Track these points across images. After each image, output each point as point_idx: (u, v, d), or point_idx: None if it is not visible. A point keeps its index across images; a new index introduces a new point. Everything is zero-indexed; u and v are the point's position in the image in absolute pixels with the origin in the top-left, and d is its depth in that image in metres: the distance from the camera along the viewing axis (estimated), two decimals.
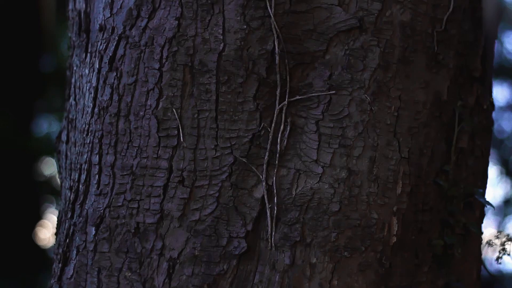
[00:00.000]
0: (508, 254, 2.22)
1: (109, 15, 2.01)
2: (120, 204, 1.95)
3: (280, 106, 1.91)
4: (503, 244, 2.21)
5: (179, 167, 1.92)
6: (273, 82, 1.91)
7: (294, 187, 1.90)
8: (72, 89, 2.20)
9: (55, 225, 2.18)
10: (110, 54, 1.99)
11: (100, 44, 2.02)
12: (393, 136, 1.95)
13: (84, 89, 2.09)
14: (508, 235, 2.24)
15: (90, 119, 2.03)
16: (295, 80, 1.92)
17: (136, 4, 1.96)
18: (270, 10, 1.89)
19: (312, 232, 1.89)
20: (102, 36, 2.02)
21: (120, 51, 1.97)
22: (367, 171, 1.92)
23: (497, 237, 2.23)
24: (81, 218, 2.01)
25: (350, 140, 1.91)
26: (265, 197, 1.90)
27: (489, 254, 2.32)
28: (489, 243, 2.24)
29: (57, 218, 2.17)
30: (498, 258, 2.22)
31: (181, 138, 1.92)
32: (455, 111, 2.06)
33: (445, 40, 2.02)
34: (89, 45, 2.09)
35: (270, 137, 1.91)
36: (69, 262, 2.03)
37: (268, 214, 1.89)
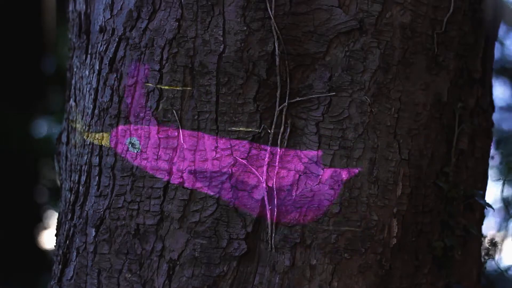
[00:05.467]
0: (493, 259, 2.22)
1: (109, 17, 2.01)
2: (120, 205, 1.95)
3: (280, 107, 1.91)
4: (487, 249, 2.22)
5: (179, 169, 1.91)
6: (273, 83, 1.91)
7: (294, 188, 1.90)
8: (72, 90, 2.20)
9: (55, 227, 2.18)
10: (110, 56, 1.99)
11: (100, 46, 2.02)
12: (393, 137, 1.95)
13: (84, 91, 2.09)
14: (492, 239, 2.24)
15: (90, 121, 2.03)
16: (295, 82, 1.92)
17: (136, 6, 1.96)
18: (270, 12, 1.89)
19: (312, 233, 1.89)
20: (102, 38, 2.02)
21: (120, 53, 1.98)
22: (367, 173, 1.92)
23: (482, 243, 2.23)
24: (81, 220, 2.01)
25: (350, 141, 1.91)
26: (265, 198, 1.90)
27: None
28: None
29: (57, 219, 2.17)
30: (483, 263, 2.22)
31: (181, 139, 1.92)
32: (455, 113, 2.06)
33: (445, 41, 2.02)
34: (89, 47, 2.09)
35: (270, 138, 1.91)
36: (69, 264, 2.03)
37: (268, 215, 1.89)
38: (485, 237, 2.25)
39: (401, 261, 1.97)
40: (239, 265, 1.90)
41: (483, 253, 2.23)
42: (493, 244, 2.22)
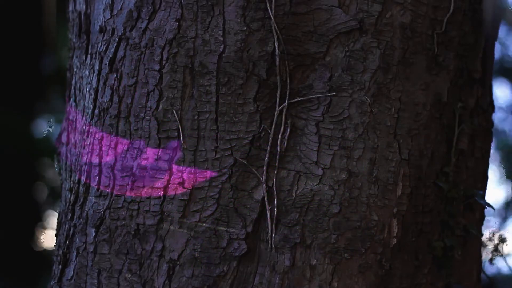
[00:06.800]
0: (501, 255, 2.22)
1: (109, 17, 2.01)
2: (120, 205, 1.95)
3: (280, 107, 1.91)
4: (496, 245, 2.21)
5: (179, 169, 1.91)
6: (273, 83, 1.91)
7: (294, 188, 1.90)
8: (73, 90, 2.20)
9: (55, 227, 2.18)
10: (110, 56, 1.99)
11: (100, 46, 2.02)
12: (393, 137, 1.95)
13: (84, 91, 2.09)
14: (501, 236, 2.24)
15: (90, 121, 2.03)
16: (295, 82, 1.92)
17: (136, 6, 1.96)
18: (270, 12, 1.89)
19: (312, 233, 1.89)
20: (102, 38, 2.02)
21: (120, 53, 1.98)
22: (367, 173, 1.92)
23: (490, 239, 2.23)
24: (81, 220, 2.01)
25: (350, 141, 1.91)
26: (265, 198, 1.90)
27: (488, 256, 2.33)
28: (483, 245, 2.24)
29: (57, 219, 2.18)
30: (491, 260, 2.22)
31: (181, 139, 1.92)
32: (455, 113, 2.06)
33: (445, 41, 2.02)
34: (89, 47, 2.09)
35: (270, 138, 1.91)
36: (69, 264, 2.03)
37: (268, 215, 1.89)
38: (494, 233, 2.25)
39: (401, 261, 1.98)
40: (239, 265, 1.90)
41: (491, 249, 2.22)
42: (502, 240, 2.22)
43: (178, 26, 1.92)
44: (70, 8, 2.26)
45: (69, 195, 2.09)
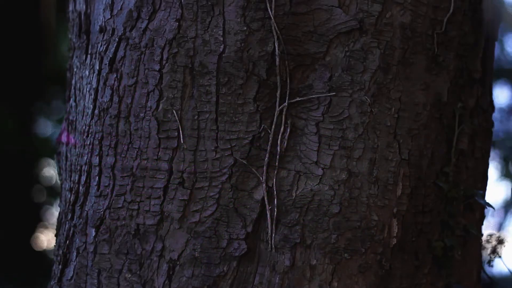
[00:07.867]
0: (500, 257, 2.22)
1: (109, 17, 2.01)
2: (120, 205, 1.95)
3: (280, 107, 1.91)
4: (494, 247, 2.21)
5: (179, 169, 1.92)
6: (273, 83, 1.91)
7: (294, 188, 1.90)
8: (73, 90, 2.20)
9: (55, 227, 2.18)
10: (110, 56, 1.99)
11: (100, 46, 2.02)
12: (393, 137, 1.95)
13: (84, 91, 2.09)
14: (499, 237, 2.24)
15: (90, 121, 2.03)
16: (295, 82, 1.92)
17: (136, 6, 1.96)
18: (270, 12, 1.89)
19: (312, 233, 1.89)
20: (102, 38, 2.02)
21: (121, 53, 1.98)
22: (367, 173, 1.92)
23: (488, 241, 2.23)
24: (81, 220, 2.01)
25: (350, 141, 1.91)
26: (265, 198, 1.90)
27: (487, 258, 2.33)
28: (481, 246, 2.24)
29: (57, 219, 2.18)
30: (489, 261, 2.22)
31: (181, 139, 1.92)
32: (455, 113, 2.06)
33: (446, 42, 2.02)
34: (89, 47, 2.09)
35: (270, 138, 1.91)
36: (69, 264, 2.03)
37: (268, 215, 1.89)
38: (491, 234, 2.25)
39: (401, 261, 1.98)
40: (239, 265, 1.90)
41: (489, 251, 2.22)
42: (500, 241, 2.22)
43: (178, 26, 1.92)
44: (70, 8, 2.26)
45: (69, 195, 2.09)
